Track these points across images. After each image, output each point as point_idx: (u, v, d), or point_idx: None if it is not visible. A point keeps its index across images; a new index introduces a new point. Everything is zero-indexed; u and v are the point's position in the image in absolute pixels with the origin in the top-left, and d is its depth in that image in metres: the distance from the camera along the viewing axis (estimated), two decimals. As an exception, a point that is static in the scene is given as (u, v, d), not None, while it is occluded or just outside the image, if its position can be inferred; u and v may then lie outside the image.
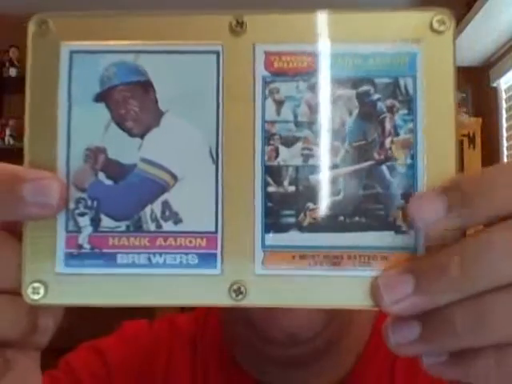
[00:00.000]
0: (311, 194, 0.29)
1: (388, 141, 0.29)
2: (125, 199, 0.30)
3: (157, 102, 0.30)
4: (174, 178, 0.30)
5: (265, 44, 0.30)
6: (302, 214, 0.29)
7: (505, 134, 3.10)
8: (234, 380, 0.55)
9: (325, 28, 0.30)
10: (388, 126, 0.29)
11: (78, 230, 0.30)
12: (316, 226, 0.29)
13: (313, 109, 0.30)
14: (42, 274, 0.29)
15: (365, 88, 0.29)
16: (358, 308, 0.30)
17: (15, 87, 3.10)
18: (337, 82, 0.29)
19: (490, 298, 0.27)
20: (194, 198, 0.30)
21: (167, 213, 0.30)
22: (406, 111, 0.29)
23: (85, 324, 1.50)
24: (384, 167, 0.29)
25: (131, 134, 0.30)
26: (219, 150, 0.30)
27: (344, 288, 0.29)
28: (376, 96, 0.29)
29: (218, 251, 0.29)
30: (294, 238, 0.29)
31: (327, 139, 0.29)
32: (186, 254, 0.30)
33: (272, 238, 0.29)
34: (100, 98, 0.30)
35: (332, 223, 0.29)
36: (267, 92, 0.30)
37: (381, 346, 0.32)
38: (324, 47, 0.30)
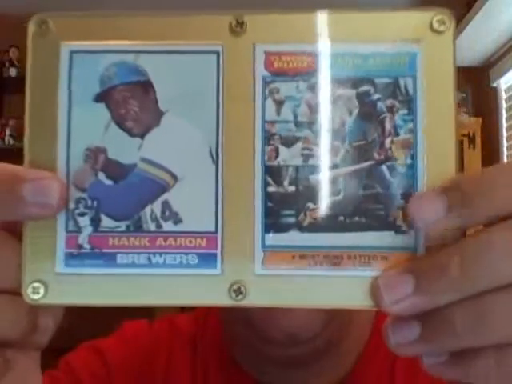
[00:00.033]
0: (311, 193, 0.29)
1: (388, 141, 0.29)
2: (125, 199, 0.30)
3: (157, 101, 0.30)
4: (174, 177, 0.30)
5: (265, 44, 0.30)
6: (302, 214, 0.29)
7: (505, 134, 3.10)
8: (234, 380, 0.55)
9: (325, 28, 0.30)
10: (388, 125, 0.29)
11: (78, 229, 0.30)
12: (316, 226, 0.29)
13: (313, 109, 0.30)
14: (42, 273, 0.29)
15: (365, 88, 0.29)
16: (358, 308, 0.30)
17: (15, 87, 3.10)
18: (337, 82, 0.29)
19: (490, 298, 0.27)
20: (194, 198, 0.30)
21: (167, 213, 0.30)
22: (405, 111, 0.29)
23: (85, 324, 1.50)
24: (384, 167, 0.29)
25: (131, 134, 0.30)
26: (219, 149, 0.30)
27: (344, 288, 0.29)
28: (376, 96, 0.29)
29: (218, 251, 0.29)
30: (294, 237, 0.29)
31: (327, 139, 0.29)
32: (186, 254, 0.30)
33: (272, 238, 0.29)
34: (100, 97, 0.30)
35: (332, 223, 0.29)
36: (267, 92, 0.30)
37: (381, 345, 0.32)
38: (324, 47, 0.30)
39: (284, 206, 0.29)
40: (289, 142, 0.30)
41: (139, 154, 0.30)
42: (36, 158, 0.30)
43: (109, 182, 0.30)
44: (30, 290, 0.29)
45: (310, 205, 0.29)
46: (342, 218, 0.29)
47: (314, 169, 0.29)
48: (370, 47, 0.29)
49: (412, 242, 0.29)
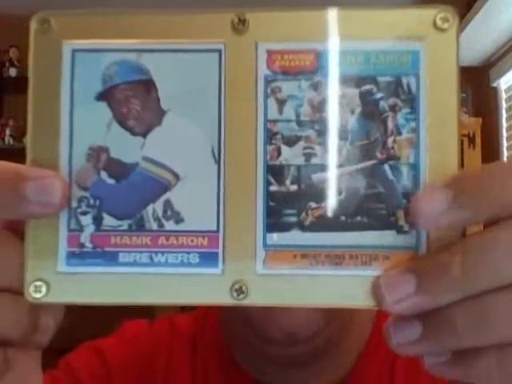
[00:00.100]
0: (313, 193, 0.29)
1: (390, 140, 0.29)
2: (127, 198, 0.30)
3: (159, 100, 0.30)
4: (176, 176, 0.30)
5: (267, 42, 0.30)
6: (304, 214, 0.29)
7: (505, 134, 3.10)
8: (234, 380, 0.55)
9: (327, 26, 0.29)
10: (390, 124, 0.29)
11: (80, 228, 0.30)
12: (318, 226, 0.29)
13: (315, 108, 0.29)
14: (44, 272, 0.29)
15: (367, 87, 0.29)
16: (359, 308, 0.30)
17: (15, 87, 3.10)
18: (339, 80, 0.29)
19: (492, 298, 0.27)
20: (195, 197, 0.30)
21: (169, 212, 0.30)
22: (408, 110, 0.29)
23: (85, 324, 1.50)
24: (386, 166, 0.29)
25: (133, 133, 0.30)
26: (221, 149, 0.29)
27: (346, 287, 0.29)
28: (379, 95, 0.29)
29: (220, 250, 0.29)
30: (295, 237, 0.29)
31: (329, 138, 0.29)
32: (188, 253, 0.30)
33: (274, 238, 0.29)
34: (102, 96, 0.30)
35: (334, 222, 0.29)
36: (269, 91, 0.30)
37: (381, 344, 0.32)
38: (326, 45, 0.29)
39: (286, 205, 0.29)
40: (291, 142, 0.29)
41: (141, 153, 0.30)
42: (38, 156, 0.30)
43: (111, 181, 0.30)
44: (31, 289, 0.29)
45: (312, 204, 0.29)
46: (343, 217, 0.29)
47: (316, 168, 0.29)
48: (373, 45, 0.29)
49: (414, 241, 0.29)
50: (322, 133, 0.29)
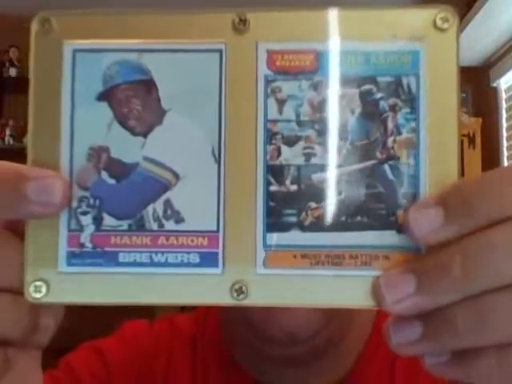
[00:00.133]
0: (313, 193, 0.29)
1: (390, 140, 0.29)
2: (127, 198, 0.30)
3: (159, 100, 0.30)
4: (176, 176, 0.30)
5: (267, 42, 0.30)
6: (304, 214, 0.29)
7: (505, 134, 3.10)
8: (234, 380, 0.55)
9: (327, 26, 0.30)
10: (390, 124, 0.29)
11: (81, 228, 0.30)
12: (318, 226, 0.29)
13: (315, 108, 0.29)
14: (44, 272, 0.29)
15: (367, 87, 0.29)
16: (359, 308, 0.30)
17: (15, 87, 3.11)
18: (339, 80, 0.29)
19: (492, 298, 0.27)
20: (195, 197, 0.30)
21: (169, 212, 0.30)
22: (408, 110, 0.29)
23: (85, 324, 1.50)
24: (386, 166, 0.29)
25: (134, 133, 0.30)
26: (221, 148, 0.30)
27: (345, 287, 0.29)
28: (379, 95, 0.29)
29: (220, 250, 0.29)
30: (295, 237, 0.29)
31: (329, 138, 0.29)
32: (188, 253, 0.30)
33: (273, 238, 0.29)
34: (103, 96, 0.30)
35: (334, 222, 0.29)
36: (269, 91, 0.30)
37: (381, 344, 0.32)
38: (326, 46, 0.30)
39: (286, 205, 0.29)
40: (291, 142, 0.30)
41: (142, 152, 0.30)
42: (39, 156, 0.30)
43: (111, 181, 0.30)
44: (31, 289, 0.29)
45: (312, 204, 0.29)
46: (343, 217, 0.29)
47: (316, 168, 0.29)
48: (373, 45, 0.29)
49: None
50: (322, 133, 0.29)
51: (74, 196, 0.30)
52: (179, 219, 0.30)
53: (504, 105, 3.13)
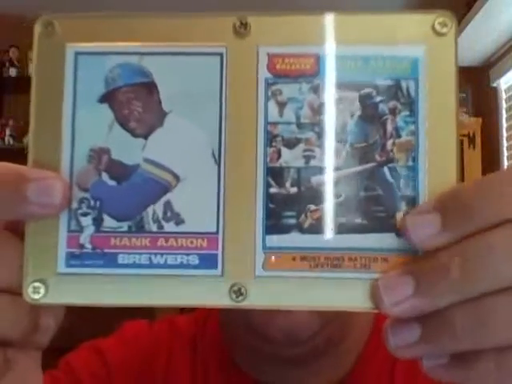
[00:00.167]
0: (313, 195, 0.29)
1: (390, 143, 0.29)
2: (127, 199, 0.30)
3: (160, 102, 0.30)
4: (177, 178, 0.30)
5: (268, 46, 0.30)
6: (303, 216, 0.29)
7: (505, 134, 3.10)
8: (234, 381, 0.55)
9: (328, 30, 0.30)
10: (390, 127, 0.29)
11: (80, 229, 0.30)
12: (317, 228, 0.29)
13: (315, 110, 0.30)
14: (43, 273, 0.30)
15: (367, 90, 0.29)
16: (358, 310, 0.29)
17: (15, 87, 3.11)
18: (339, 84, 0.30)
19: (491, 301, 0.27)
20: (195, 199, 0.30)
21: (169, 213, 0.30)
22: (407, 113, 0.29)
23: (85, 324, 1.50)
24: (385, 169, 0.29)
25: (135, 135, 0.30)
26: (222, 150, 0.30)
27: (344, 290, 0.29)
28: (378, 98, 0.29)
29: (219, 252, 0.29)
30: (294, 239, 0.29)
31: (329, 141, 0.29)
32: (187, 254, 0.30)
33: (273, 240, 0.29)
34: (104, 98, 0.30)
35: (333, 225, 0.29)
36: (270, 93, 0.30)
37: (380, 346, 0.32)
38: (327, 49, 0.30)
39: (285, 207, 0.29)
40: (291, 144, 0.30)
41: (142, 154, 0.30)
42: (40, 157, 0.30)
43: (112, 183, 0.30)
44: (30, 290, 0.29)
45: (312, 206, 0.29)
46: (343, 219, 0.29)
47: (316, 170, 0.29)
48: (373, 49, 0.29)
49: None
50: (321, 135, 0.29)
51: (74, 197, 0.30)
52: (179, 221, 0.30)
53: (504, 105, 3.12)
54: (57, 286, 0.30)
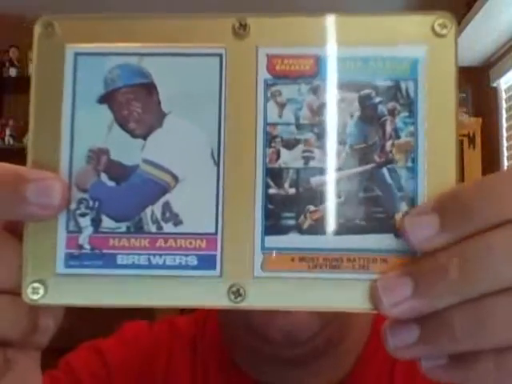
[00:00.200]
0: (312, 196, 0.29)
1: (389, 144, 0.29)
2: (126, 200, 0.30)
3: (160, 103, 0.30)
4: (175, 178, 0.30)
5: (267, 47, 0.30)
6: (302, 217, 0.29)
7: (505, 134, 3.10)
8: (234, 381, 0.55)
9: (327, 31, 0.30)
10: (389, 128, 0.29)
11: (79, 230, 0.30)
12: (316, 229, 0.29)
13: (314, 111, 0.30)
14: (42, 274, 0.30)
15: (366, 91, 0.29)
16: (357, 311, 0.29)
17: (15, 87, 3.11)
18: (339, 85, 0.30)
19: (490, 302, 0.27)
20: (194, 200, 0.30)
21: (168, 214, 0.30)
22: (407, 114, 0.29)
23: (85, 324, 1.50)
24: (385, 170, 0.29)
25: (134, 135, 0.30)
26: (221, 151, 0.30)
27: (343, 291, 0.29)
28: (377, 99, 0.29)
29: (218, 253, 0.29)
30: (293, 240, 0.29)
31: (328, 142, 0.29)
32: (186, 255, 0.30)
33: (272, 241, 0.29)
34: (103, 99, 0.30)
35: (332, 226, 0.29)
36: (269, 94, 0.30)
37: (380, 347, 0.32)
38: (326, 50, 0.30)
39: (284, 208, 0.29)
40: (290, 145, 0.30)
41: (141, 155, 0.30)
42: (39, 158, 0.30)
43: (111, 183, 0.30)
44: (29, 290, 0.29)
45: (310, 207, 0.29)
46: (342, 220, 0.29)
47: (315, 171, 0.29)
48: (372, 50, 0.30)
49: None
50: (321, 136, 0.29)
51: (73, 198, 0.30)
52: (178, 221, 0.30)
53: (504, 105, 3.12)
54: (56, 286, 0.30)
